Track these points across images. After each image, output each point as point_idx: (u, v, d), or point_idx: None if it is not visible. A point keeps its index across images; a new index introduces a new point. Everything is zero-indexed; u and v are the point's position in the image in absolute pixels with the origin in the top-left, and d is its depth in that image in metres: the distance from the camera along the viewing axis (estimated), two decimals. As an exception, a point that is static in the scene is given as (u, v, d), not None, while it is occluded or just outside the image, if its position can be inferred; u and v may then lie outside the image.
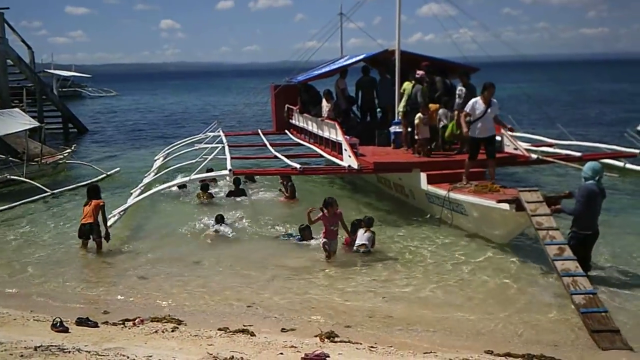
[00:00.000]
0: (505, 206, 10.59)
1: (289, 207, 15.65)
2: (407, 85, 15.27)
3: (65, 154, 22.32)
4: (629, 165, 17.39)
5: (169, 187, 15.49)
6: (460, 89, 14.69)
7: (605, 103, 45.75)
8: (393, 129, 15.99)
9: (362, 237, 11.51)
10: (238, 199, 16.34)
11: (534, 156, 14.30)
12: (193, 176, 14.88)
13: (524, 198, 10.27)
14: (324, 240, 11.27)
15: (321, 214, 11.26)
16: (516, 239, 11.53)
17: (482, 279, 10.03)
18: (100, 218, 12.25)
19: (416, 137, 14.65)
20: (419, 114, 14.47)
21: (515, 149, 14.67)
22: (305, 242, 12.10)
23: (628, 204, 14.77)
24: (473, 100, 12.35)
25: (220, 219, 13.50)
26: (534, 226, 9.81)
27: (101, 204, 12.37)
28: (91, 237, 12.18)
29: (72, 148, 23.72)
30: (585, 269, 9.27)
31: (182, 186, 16.63)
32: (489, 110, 12.14)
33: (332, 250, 11.27)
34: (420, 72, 15.31)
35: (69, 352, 6.58)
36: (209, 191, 16.50)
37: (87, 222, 12.15)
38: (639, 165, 17.34)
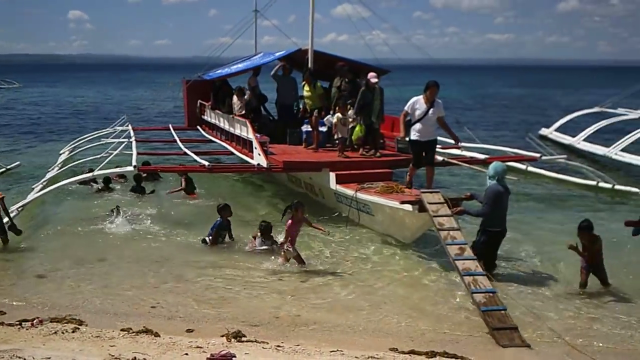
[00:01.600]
0: (409, 207, 10.86)
1: (190, 203, 15.54)
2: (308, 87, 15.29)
3: None
4: (530, 168, 18.21)
5: (72, 182, 14.93)
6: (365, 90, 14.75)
7: (511, 108, 47.52)
8: (305, 128, 16.09)
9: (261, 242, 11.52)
10: (141, 195, 16.06)
11: (440, 158, 14.71)
12: (97, 172, 14.47)
13: (425, 199, 10.56)
14: (288, 247, 10.60)
15: (290, 220, 10.67)
16: (420, 239, 11.77)
17: (387, 279, 10.18)
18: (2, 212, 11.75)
19: (335, 136, 14.68)
20: (338, 114, 14.52)
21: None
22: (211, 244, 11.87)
23: (530, 205, 15.42)
24: (413, 99, 11.52)
25: (117, 212, 13.31)
26: (435, 227, 10.09)
27: (2, 196, 11.88)
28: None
29: None
30: (492, 267, 9.66)
31: (93, 181, 16.15)
32: (430, 111, 11.37)
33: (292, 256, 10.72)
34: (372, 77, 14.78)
35: (-39, 355, 6.30)
36: (110, 185, 16.27)
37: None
38: (540, 168, 18.15)
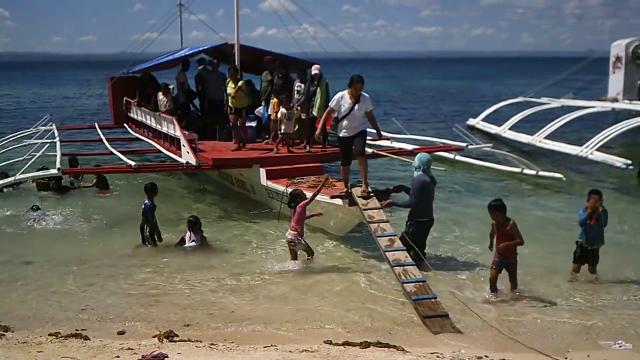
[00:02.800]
0: (339, 201, 10.95)
1: (111, 201, 15.34)
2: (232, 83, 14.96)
3: None
4: (458, 158, 18.62)
5: None
6: (298, 85, 14.82)
7: (439, 99, 48.32)
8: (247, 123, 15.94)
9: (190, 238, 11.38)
10: (60, 193, 15.70)
11: (370, 150, 14.83)
12: (19, 176, 13.97)
13: (355, 193, 10.67)
14: (294, 237, 10.38)
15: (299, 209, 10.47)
16: (352, 232, 11.88)
17: (321, 272, 10.22)
18: None
19: (279, 132, 14.54)
20: (282, 109, 14.36)
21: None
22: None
23: (457, 194, 15.77)
24: (339, 94, 10.80)
25: (36, 208, 13.10)
26: (365, 220, 10.21)
27: None
28: None
29: None
30: (420, 255, 9.83)
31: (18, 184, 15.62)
32: (356, 106, 10.60)
33: (302, 250, 10.53)
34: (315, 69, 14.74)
35: None
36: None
37: None
38: (468, 157, 18.56)
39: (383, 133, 12.08)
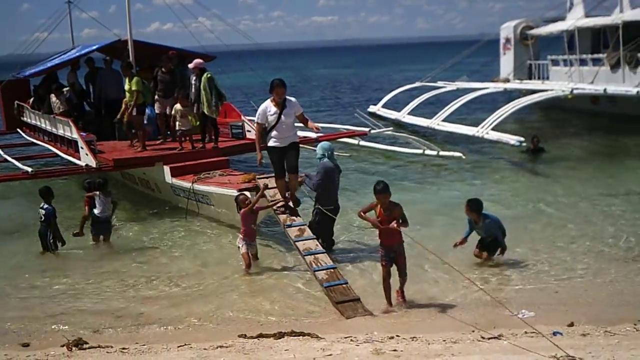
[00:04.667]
0: (247, 194, 10.89)
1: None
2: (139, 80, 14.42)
3: None
4: (362, 143, 18.92)
5: None
6: (195, 80, 14.48)
7: (339, 88, 48.92)
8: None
9: None
10: None
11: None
12: None
13: (262, 184, 10.65)
14: (243, 242, 9.89)
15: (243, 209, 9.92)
16: (262, 225, 11.86)
17: (231, 266, 10.19)
18: None
19: (177, 129, 14.21)
20: (177, 105, 14.04)
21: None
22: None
23: (363, 178, 16.00)
24: (262, 106, 10.04)
25: None
26: (274, 211, 10.23)
27: None
28: None
29: None
30: (330, 243, 9.93)
31: None
32: (283, 113, 9.86)
33: (253, 253, 10.04)
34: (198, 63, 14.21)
35: None
36: None
37: None
38: (371, 142, 18.89)
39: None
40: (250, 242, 9.91)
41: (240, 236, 9.90)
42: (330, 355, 6.58)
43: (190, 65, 13.90)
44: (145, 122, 15.10)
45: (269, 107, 9.93)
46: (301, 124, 10.51)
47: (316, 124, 10.50)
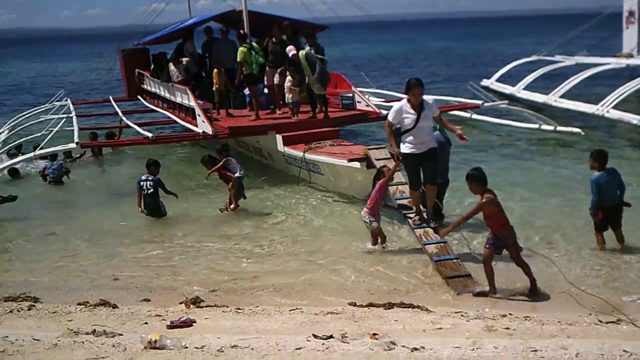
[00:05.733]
0: (356, 164, 10.96)
1: (123, 172, 15.55)
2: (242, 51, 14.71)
3: None
4: (475, 116, 18.47)
5: (17, 162, 14.59)
6: (307, 49, 14.54)
7: (451, 61, 47.97)
8: (247, 91, 15.90)
9: None
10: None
11: (385, 112, 14.78)
12: (38, 151, 14.08)
13: (372, 155, 10.66)
14: (369, 216, 9.40)
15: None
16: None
17: (341, 237, 10.25)
18: None
19: (288, 100, 14.42)
20: (289, 77, 14.19)
21: (367, 105, 15.10)
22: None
23: (474, 154, 15.66)
24: (397, 105, 8.99)
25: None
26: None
27: None
28: None
29: None
30: (440, 217, 9.78)
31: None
32: (421, 118, 8.74)
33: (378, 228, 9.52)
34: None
35: None
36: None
37: None
38: (484, 116, 18.40)
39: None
40: (378, 217, 9.49)
41: (367, 209, 9.40)
42: (440, 328, 6.57)
43: (290, 53, 13.98)
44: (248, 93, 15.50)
45: (404, 108, 8.83)
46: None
47: (459, 128, 9.11)
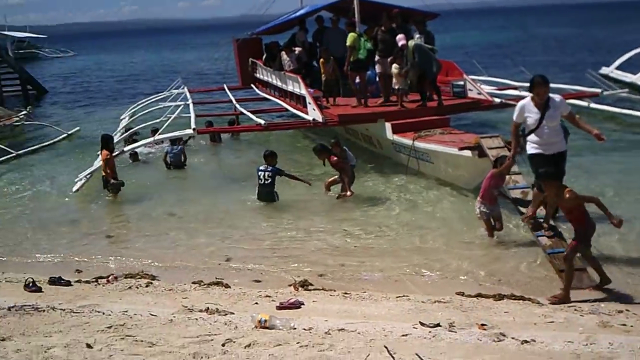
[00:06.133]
0: (468, 153, 10.75)
1: (235, 160, 16.04)
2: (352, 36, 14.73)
3: (20, 116, 22.01)
4: (593, 105, 17.54)
5: (138, 146, 15.31)
6: (418, 37, 14.18)
7: (566, 47, 46.10)
8: (358, 79, 15.91)
9: None
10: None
11: (498, 100, 14.46)
12: (157, 136, 14.73)
13: (485, 144, 10.42)
14: (480, 204, 9.26)
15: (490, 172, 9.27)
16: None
17: (449, 226, 10.16)
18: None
19: (395, 87, 14.36)
20: (395, 64, 14.11)
21: (479, 93, 14.80)
22: None
23: (593, 145, 14.97)
24: (520, 103, 8.46)
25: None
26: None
27: (108, 156, 12.64)
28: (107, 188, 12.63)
29: (28, 110, 23.45)
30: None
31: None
32: (546, 116, 8.11)
33: (497, 218, 9.38)
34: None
35: (44, 310, 6.64)
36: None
37: (103, 174, 12.66)
38: (602, 104, 17.49)
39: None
40: (492, 207, 9.25)
41: (479, 199, 9.26)
42: (552, 322, 6.40)
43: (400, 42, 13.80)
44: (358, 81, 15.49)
45: (528, 106, 8.28)
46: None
47: (596, 129, 8.43)
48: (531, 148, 8.34)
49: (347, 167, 11.62)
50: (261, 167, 11.69)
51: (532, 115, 8.19)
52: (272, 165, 11.71)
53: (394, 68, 14.14)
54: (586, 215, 7.42)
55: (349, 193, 11.54)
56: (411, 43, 13.61)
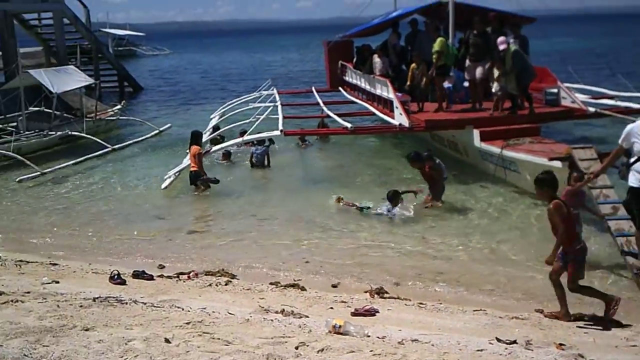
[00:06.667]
0: (558, 164, 10.40)
1: (323, 164, 16.08)
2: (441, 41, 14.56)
3: (115, 110, 22.87)
4: None
5: (227, 146, 15.63)
6: (512, 41, 13.87)
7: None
8: (446, 84, 15.70)
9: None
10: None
11: (592, 109, 13.94)
12: (246, 137, 15.00)
13: (577, 155, 10.07)
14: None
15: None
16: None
17: (532, 237, 9.91)
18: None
19: (495, 90, 14.01)
20: (495, 70, 13.78)
21: (573, 102, 14.31)
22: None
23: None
24: (629, 127, 7.57)
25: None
26: (587, 185, 9.59)
27: (199, 151, 13.12)
28: (197, 183, 13.08)
29: (122, 104, 24.37)
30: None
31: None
32: None
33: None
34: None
35: (126, 303, 6.86)
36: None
37: (192, 170, 13.10)
38: None
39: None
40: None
41: None
42: (634, 346, 6.16)
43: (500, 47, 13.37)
44: (448, 85, 15.26)
45: (636, 130, 7.41)
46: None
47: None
48: (635, 180, 7.51)
49: (439, 179, 11.51)
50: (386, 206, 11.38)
51: None
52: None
53: (495, 72, 13.79)
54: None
55: (439, 204, 11.45)
56: (512, 47, 13.26)
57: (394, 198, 11.30)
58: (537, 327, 6.59)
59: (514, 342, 5.97)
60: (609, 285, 8.13)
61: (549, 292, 7.88)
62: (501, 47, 13.26)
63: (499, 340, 6.01)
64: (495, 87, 13.90)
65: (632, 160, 7.43)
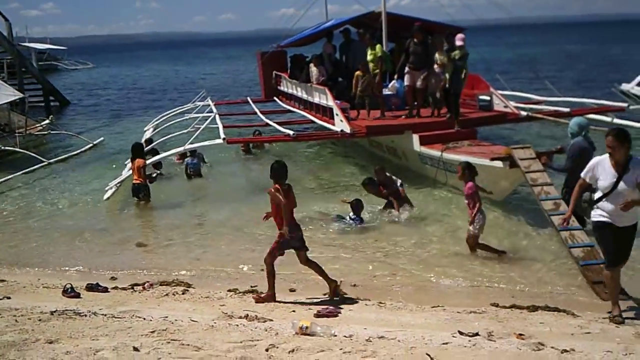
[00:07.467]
0: (499, 164, 10.75)
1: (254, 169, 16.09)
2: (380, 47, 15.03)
3: (44, 125, 22.27)
4: (617, 120, 17.38)
5: (166, 156, 15.42)
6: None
7: (587, 64, 46.02)
8: (385, 91, 15.99)
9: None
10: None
11: (524, 113, 14.49)
12: (187, 146, 14.86)
13: (517, 155, 10.43)
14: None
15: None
16: (510, 196, 11.70)
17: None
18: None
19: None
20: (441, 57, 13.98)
21: (505, 106, 14.83)
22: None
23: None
24: (594, 160, 7.11)
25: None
26: (528, 182, 9.96)
27: (144, 164, 12.94)
28: (139, 195, 12.92)
29: (50, 119, 23.78)
30: (581, 224, 9.36)
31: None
32: (622, 181, 6.76)
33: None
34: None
35: (85, 315, 6.76)
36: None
37: (135, 182, 12.92)
38: (627, 120, 17.41)
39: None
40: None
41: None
42: (588, 333, 6.43)
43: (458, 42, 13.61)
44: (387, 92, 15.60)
45: (602, 164, 6.95)
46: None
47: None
48: (598, 216, 7.07)
49: (394, 191, 11.53)
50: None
51: (606, 178, 6.89)
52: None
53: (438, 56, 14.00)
54: None
55: (413, 209, 11.52)
56: (456, 53, 13.47)
57: (358, 207, 11.26)
58: (495, 320, 6.80)
59: (477, 334, 6.17)
60: (557, 276, 8.49)
61: (503, 288, 8.20)
62: (458, 43, 13.47)
63: (461, 333, 6.21)
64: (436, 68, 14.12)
65: (596, 197, 7.14)
